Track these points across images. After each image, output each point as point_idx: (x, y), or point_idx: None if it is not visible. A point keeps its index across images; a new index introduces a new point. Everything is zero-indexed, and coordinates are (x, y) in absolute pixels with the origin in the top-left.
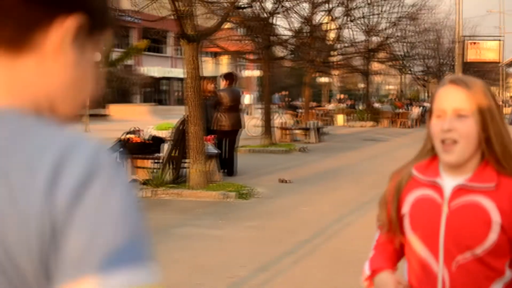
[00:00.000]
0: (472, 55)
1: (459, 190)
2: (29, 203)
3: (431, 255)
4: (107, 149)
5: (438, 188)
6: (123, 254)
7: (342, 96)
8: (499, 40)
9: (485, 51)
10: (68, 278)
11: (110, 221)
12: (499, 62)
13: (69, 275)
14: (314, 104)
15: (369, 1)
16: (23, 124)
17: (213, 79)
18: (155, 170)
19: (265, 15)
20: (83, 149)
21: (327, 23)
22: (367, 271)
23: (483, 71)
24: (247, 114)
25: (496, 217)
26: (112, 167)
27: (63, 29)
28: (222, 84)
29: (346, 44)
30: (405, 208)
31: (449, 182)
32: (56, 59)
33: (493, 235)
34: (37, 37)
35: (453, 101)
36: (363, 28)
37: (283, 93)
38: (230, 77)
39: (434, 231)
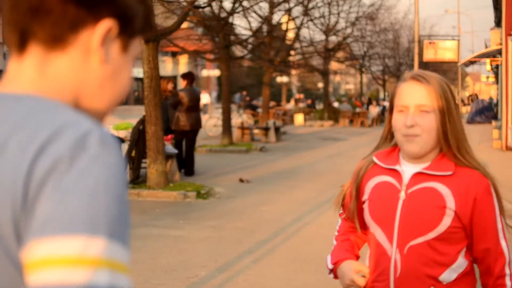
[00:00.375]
0: (430, 55)
1: (417, 177)
2: (14, 173)
3: (386, 239)
4: (107, 132)
5: (397, 175)
6: (89, 223)
7: (301, 96)
8: (457, 40)
9: (443, 51)
10: (32, 238)
11: (85, 192)
12: (457, 62)
13: (33, 234)
14: (273, 103)
15: (327, 1)
16: (41, 105)
17: (172, 79)
18: None
19: (224, 14)
20: (78, 127)
21: (286, 22)
22: (329, 265)
23: (441, 71)
24: (206, 113)
25: (450, 203)
26: (105, 147)
27: (95, 32)
28: (183, 84)
29: (305, 44)
30: (366, 194)
31: (408, 169)
32: (87, 59)
33: (447, 220)
34: (71, 37)
35: (415, 97)
36: (322, 27)
37: (244, 92)
38: (189, 77)
39: (390, 215)
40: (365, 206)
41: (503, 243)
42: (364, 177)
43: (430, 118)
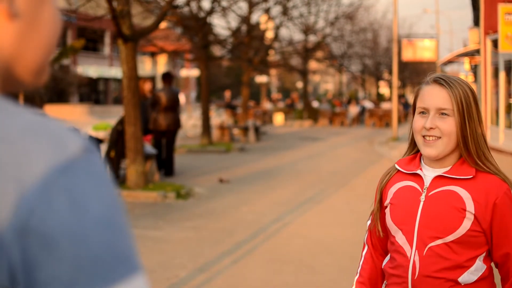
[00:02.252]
0: (408, 54)
1: (438, 180)
2: None
3: (406, 241)
4: (81, 132)
5: (419, 179)
6: (118, 266)
7: (278, 95)
8: (435, 39)
9: (422, 50)
10: None
11: (97, 227)
12: (435, 61)
13: None
14: (252, 103)
15: (307, 1)
16: None
17: (150, 79)
18: None
19: (203, 14)
20: (50, 134)
21: (265, 22)
22: None
23: (420, 70)
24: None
25: (470, 207)
26: (91, 157)
27: None
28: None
29: (284, 43)
30: (388, 199)
31: (429, 173)
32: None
33: (467, 223)
34: None
35: (436, 100)
36: (301, 27)
37: (228, 93)
38: (167, 77)
39: (411, 217)
40: (387, 211)
41: None
42: (388, 184)
43: (450, 121)
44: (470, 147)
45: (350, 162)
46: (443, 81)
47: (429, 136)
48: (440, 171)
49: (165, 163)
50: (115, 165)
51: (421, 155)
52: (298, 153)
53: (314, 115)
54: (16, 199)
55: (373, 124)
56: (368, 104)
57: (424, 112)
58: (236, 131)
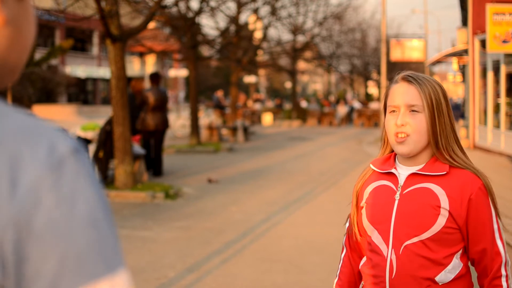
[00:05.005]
0: (397, 54)
1: (413, 178)
2: None
3: (382, 240)
4: (68, 134)
5: (393, 177)
6: (105, 260)
7: (261, 95)
8: (424, 39)
9: (410, 50)
10: None
11: (84, 224)
12: (423, 61)
13: None
14: (241, 103)
15: (295, 1)
16: None
17: (142, 79)
18: None
19: (191, 14)
20: (40, 138)
21: (253, 22)
22: None
23: (408, 70)
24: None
25: (444, 203)
26: (78, 156)
27: None
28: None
29: (272, 44)
30: (363, 200)
31: (403, 171)
32: None
33: (442, 220)
34: None
35: (406, 97)
36: (289, 27)
37: (220, 93)
38: (155, 77)
39: (386, 216)
40: (363, 211)
41: (499, 243)
42: (363, 185)
43: (420, 118)
44: (440, 143)
45: (338, 161)
46: (411, 78)
47: (401, 132)
48: (414, 169)
49: (154, 163)
50: (104, 165)
51: (395, 154)
52: (287, 153)
53: (302, 115)
54: (9, 197)
55: (361, 124)
56: (357, 104)
57: (395, 110)
58: (224, 131)
